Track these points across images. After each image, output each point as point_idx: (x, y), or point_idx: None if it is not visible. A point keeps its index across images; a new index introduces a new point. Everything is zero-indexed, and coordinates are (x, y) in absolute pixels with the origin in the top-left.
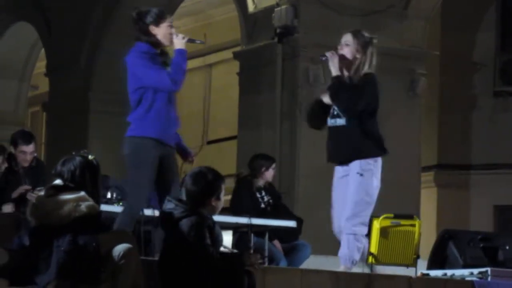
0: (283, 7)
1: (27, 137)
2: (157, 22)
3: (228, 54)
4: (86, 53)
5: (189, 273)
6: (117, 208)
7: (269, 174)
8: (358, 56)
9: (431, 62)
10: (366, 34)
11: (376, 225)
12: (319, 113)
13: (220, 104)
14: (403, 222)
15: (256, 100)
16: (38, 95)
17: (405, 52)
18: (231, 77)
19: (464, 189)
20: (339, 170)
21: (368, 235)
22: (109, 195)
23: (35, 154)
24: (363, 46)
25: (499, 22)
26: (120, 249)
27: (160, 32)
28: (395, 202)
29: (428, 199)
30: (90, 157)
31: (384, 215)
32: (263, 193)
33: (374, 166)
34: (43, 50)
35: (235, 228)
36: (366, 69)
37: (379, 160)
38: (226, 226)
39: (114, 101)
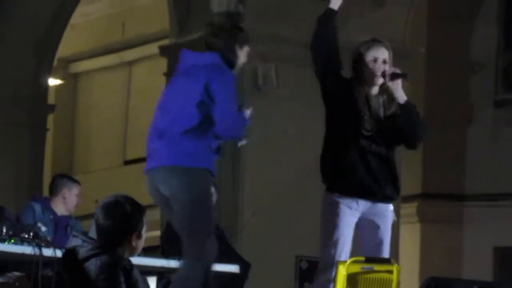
0: None
1: None
2: (242, 42)
3: (152, 48)
4: None
5: None
6: (7, 247)
7: None
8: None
9: (415, 62)
10: None
11: (342, 271)
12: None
13: (142, 112)
14: (377, 267)
15: None
16: None
17: None
18: (156, 79)
19: (455, 226)
20: (355, 206)
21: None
22: None
23: None
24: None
25: (502, 13)
26: None
27: (240, 55)
28: None
29: (410, 238)
30: None
31: (353, 259)
32: None
33: None
34: None
35: (161, 273)
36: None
37: None
38: (149, 271)
39: None
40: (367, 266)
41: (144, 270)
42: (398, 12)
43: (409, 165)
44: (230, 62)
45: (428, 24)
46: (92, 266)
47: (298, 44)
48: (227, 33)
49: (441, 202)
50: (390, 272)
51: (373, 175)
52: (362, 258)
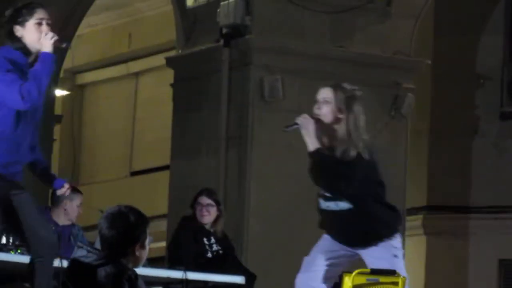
0: (231, 0)
1: None
2: (23, 20)
3: (159, 59)
4: None
5: None
6: (14, 257)
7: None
8: (341, 116)
9: (421, 74)
10: (348, 86)
11: (348, 282)
12: None
13: (149, 124)
14: (382, 279)
15: (194, 120)
16: None
17: (388, 60)
18: (163, 89)
19: (461, 238)
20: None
21: None
22: (4, 240)
23: None
24: (346, 103)
25: (508, 25)
26: None
27: (26, 34)
28: None
29: (415, 250)
30: None
31: (358, 270)
32: (212, 240)
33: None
34: None
35: (167, 284)
36: (354, 136)
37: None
38: (154, 281)
39: None
40: (372, 277)
41: (149, 280)
42: (404, 24)
43: (414, 178)
44: (20, 48)
45: (434, 36)
46: (98, 276)
47: (304, 56)
48: (5, 19)
49: (446, 214)
50: (396, 284)
51: (339, 233)
52: (368, 270)
